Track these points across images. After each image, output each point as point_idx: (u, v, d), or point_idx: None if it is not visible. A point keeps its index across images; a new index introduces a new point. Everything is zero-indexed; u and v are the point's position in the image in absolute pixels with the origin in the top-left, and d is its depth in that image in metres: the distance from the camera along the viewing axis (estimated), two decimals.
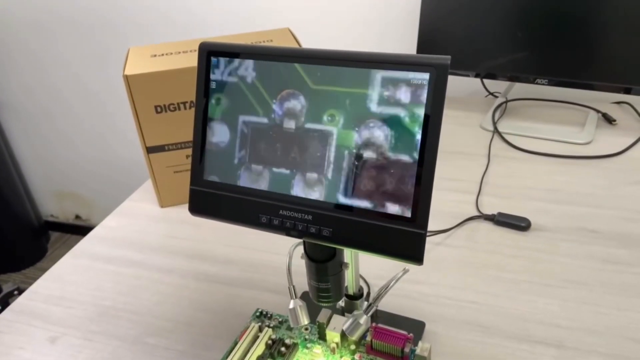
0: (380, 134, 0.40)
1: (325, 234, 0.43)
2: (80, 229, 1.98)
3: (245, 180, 0.45)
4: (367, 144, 0.41)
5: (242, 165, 0.45)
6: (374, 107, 0.40)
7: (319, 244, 0.47)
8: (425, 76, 0.38)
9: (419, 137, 0.39)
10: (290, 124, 0.43)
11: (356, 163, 0.41)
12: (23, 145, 1.88)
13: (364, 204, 0.41)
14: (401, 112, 0.39)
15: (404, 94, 0.39)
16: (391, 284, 0.52)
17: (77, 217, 2.01)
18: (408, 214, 0.40)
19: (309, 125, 0.42)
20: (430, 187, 0.40)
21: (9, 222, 1.86)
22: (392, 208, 0.40)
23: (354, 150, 0.41)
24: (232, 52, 0.45)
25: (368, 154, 0.41)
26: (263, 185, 0.44)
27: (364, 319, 0.52)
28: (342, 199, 0.42)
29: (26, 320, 0.68)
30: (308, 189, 0.43)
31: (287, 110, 0.43)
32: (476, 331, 0.60)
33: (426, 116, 0.39)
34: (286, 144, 0.43)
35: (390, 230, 0.41)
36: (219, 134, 0.46)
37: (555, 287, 0.65)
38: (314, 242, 0.45)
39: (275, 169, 0.44)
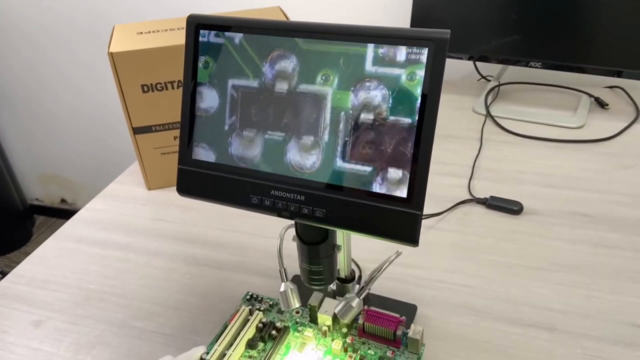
0: (379, 95, 0.39)
1: (318, 214, 0.42)
2: (65, 213, 1.94)
3: (237, 147, 0.43)
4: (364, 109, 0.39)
5: (232, 131, 0.44)
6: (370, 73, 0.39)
7: (311, 226, 0.46)
8: (424, 51, 0.37)
9: (415, 116, 0.38)
10: (282, 87, 0.41)
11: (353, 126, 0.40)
12: (6, 127, 1.84)
13: (363, 168, 0.40)
14: (398, 91, 0.38)
15: (399, 73, 0.38)
16: (384, 266, 0.52)
17: (63, 200, 1.98)
18: (404, 194, 0.39)
19: (302, 88, 0.41)
20: (426, 167, 0.39)
21: None
22: (395, 173, 0.39)
23: (351, 112, 0.40)
24: (221, 25, 0.43)
25: (365, 117, 0.39)
26: (256, 151, 0.43)
27: (356, 302, 0.51)
28: (340, 163, 0.40)
29: (9, 303, 0.66)
30: (304, 153, 0.41)
31: (278, 72, 0.41)
32: (468, 314, 0.60)
33: (423, 94, 0.37)
34: (278, 109, 0.41)
35: (385, 211, 0.40)
36: (208, 99, 0.44)
37: (548, 271, 0.65)
38: (307, 223, 0.44)
39: (267, 135, 0.42)
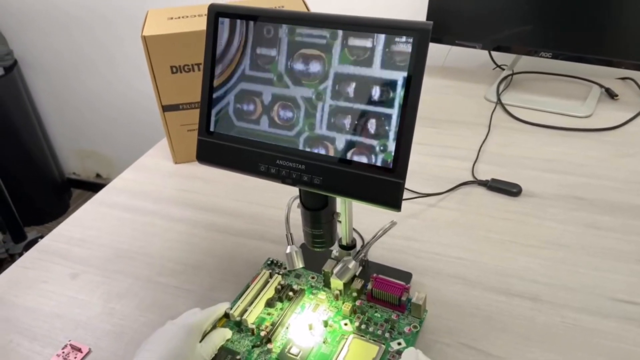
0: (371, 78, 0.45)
1: (316, 182, 0.48)
2: (100, 187, 2.04)
3: (248, 121, 0.50)
4: None
5: (246, 108, 0.51)
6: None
7: (313, 194, 0.52)
8: (410, 40, 0.42)
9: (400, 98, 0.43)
10: (289, 71, 0.48)
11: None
12: (47, 105, 1.95)
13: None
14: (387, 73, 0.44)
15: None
16: (378, 233, 0.57)
17: (98, 175, 2.10)
18: (390, 165, 0.45)
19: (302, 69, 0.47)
20: (409, 142, 0.44)
21: (34, 178, 1.95)
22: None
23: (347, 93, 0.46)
24: (239, 14, 0.49)
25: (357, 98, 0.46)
26: (265, 125, 0.49)
27: (352, 264, 0.57)
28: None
29: (50, 258, 0.75)
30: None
31: (286, 58, 0.48)
32: (460, 284, 0.65)
33: (408, 77, 0.43)
34: (285, 90, 0.49)
35: (373, 180, 0.45)
36: (224, 80, 0.51)
37: (538, 248, 0.69)
38: (306, 189, 0.50)
39: (275, 112, 0.49)
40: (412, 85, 0.43)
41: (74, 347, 0.60)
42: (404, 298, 0.59)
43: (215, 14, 0.49)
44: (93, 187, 2.11)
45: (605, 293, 0.62)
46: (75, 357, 0.59)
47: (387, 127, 0.44)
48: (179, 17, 0.87)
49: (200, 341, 0.55)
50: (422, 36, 0.42)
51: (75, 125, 1.96)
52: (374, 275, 0.61)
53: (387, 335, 0.57)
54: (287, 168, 0.49)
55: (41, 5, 1.67)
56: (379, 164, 0.45)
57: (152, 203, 0.84)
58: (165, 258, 0.73)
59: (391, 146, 0.44)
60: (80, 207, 0.85)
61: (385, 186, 0.45)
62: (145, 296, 0.67)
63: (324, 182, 0.47)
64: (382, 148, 0.45)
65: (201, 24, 0.83)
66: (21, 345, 0.62)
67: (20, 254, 0.77)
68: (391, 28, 0.43)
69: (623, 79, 1.08)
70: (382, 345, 0.55)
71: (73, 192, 2.17)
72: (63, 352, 0.60)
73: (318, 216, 0.55)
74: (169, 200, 0.85)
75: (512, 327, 0.59)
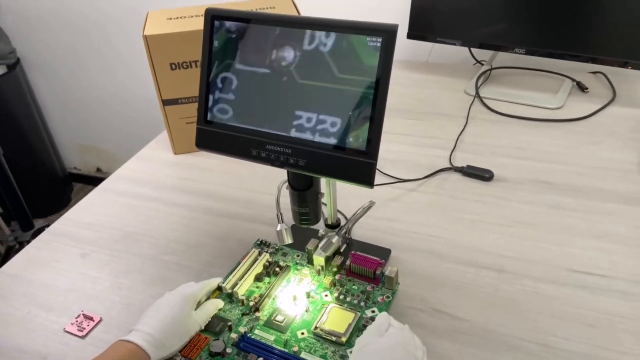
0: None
1: (301, 164, 0.55)
2: (101, 181, 2.10)
3: (240, 111, 0.57)
4: None
5: (238, 99, 0.57)
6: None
7: (299, 176, 0.59)
8: (379, 40, 0.49)
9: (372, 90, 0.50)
10: (274, 67, 0.55)
11: None
12: (49, 102, 2.01)
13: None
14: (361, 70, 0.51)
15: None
16: (359, 211, 0.64)
17: (98, 169, 2.16)
18: (364, 148, 0.52)
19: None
20: (380, 128, 0.51)
21: (37, 173, 2.01)
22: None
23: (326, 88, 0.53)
24: (232, 17, 0.56)
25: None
26: (256, 114, 0.56)
27: (335, 239, 0.64)
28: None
29: (61, 240, 0.81)
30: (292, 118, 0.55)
31: (275, 56, 0.55)
32: (434, 258, 0.72)
33: (377, 73, 0.50)
34: (273, 85, 0.56)
35: (350, 161, 0.52)
36: (220, 75, 0.58)
37: (506, 227, 0.76)
38: (293, 171, 0.57)
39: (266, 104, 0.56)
40: (381, 82, 0.50)
41: (86, 316, 0.67)
42: (378, 272, 0.66)
43: (212, 17, 0.56)
44: (93, 181, 2.18)
45: (563, 265, 0.70)
46: (88, 325, 0.66)
47: (362, 117, 0.51)
48: (177, 18, 0.94)
49: (196, 309, 0.62)
50: (389, 36, 0.49)
51: (76, 121, 2.02)
52: (352, 252, 0.68)
53: (362, 304, 0.64)
54: (275, 152, 0.56)
55: (43, 4, 1.73)
56: (354, 147, 0.52)
57: (155, 190, 0.91)
58: (168, 239, 0.80)
59: (365, 133, 0.51)
60: (87, 194, 0.91)
61: (360, 166, 0.52)
62: (150, 272, 0.74)
63: (307, 164, 0.54)
64: (357, 134, 0.52)
65: (198, 24, 0.90)
66: (38, 315, 0.68)
67: (28, 242, 0.83)
68: (362, 29, 0.50)
69: (594, 73, 1.15)
70: (358, 313, 0.62)
71: (74, 185, 2.24)
72: (77, 321, 0.66)
73: (304, 196, 0.62)
74: (170, 187, 0.92)
75: (478, 295, 0.66)
